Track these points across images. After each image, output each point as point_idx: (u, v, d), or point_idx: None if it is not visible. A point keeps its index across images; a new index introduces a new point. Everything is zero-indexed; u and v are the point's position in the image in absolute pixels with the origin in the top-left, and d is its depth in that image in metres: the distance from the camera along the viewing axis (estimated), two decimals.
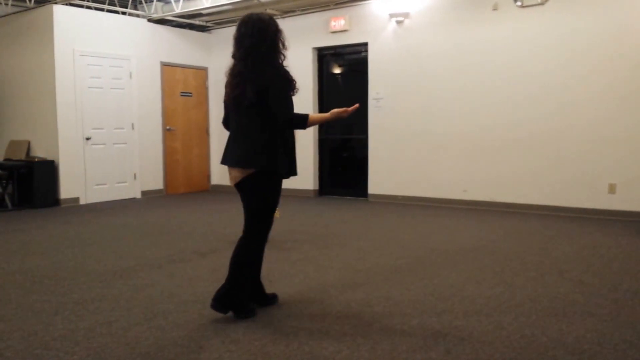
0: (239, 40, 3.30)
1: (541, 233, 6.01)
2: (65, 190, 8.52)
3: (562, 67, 7.06)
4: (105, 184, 9.01)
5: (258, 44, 3.24)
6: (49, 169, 8.38)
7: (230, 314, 3.37)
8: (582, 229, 6.21)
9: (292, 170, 3.42)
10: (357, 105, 3.45)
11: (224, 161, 3.44)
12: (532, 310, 3.46)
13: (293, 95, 3.35)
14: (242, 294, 3.38)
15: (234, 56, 3.35)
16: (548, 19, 7.12)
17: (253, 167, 3.26)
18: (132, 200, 9.21)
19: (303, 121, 3.38)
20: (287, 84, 3.28)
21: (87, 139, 8.73)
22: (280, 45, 3.32)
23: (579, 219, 6.83)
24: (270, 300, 3.66)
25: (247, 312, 3.39)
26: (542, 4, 7.14)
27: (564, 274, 4.33)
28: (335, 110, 3.41)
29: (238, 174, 3.33)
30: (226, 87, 3.40)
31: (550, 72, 7.15)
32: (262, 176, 3.28)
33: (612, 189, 6.82)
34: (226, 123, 3.59)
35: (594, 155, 6.91)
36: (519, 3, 7.28)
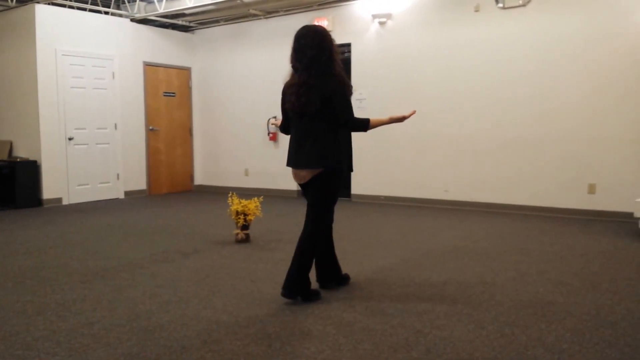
0: (300, 52, 3.61)
1: (521, 233, 6.07)
2: (48, 191, 8.45)
3: (543, 69, 7.14)
4: (88, 184, 8.95)
5: (319, 55, 3.56)
6: (32, 169, 8.31)
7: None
8: (562, 229, 6.29)
9: (350, 167, 3.85)
10: (414, 111, 3.82)
11: (293, 164, 3.73)
12: (512, 310, 3.50)
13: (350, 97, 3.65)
14: (308, 279, 3.72)
15: (294, 66, 3.67)
16: (530, 21, 7.20)
17: (322, 167, 3.60)
18: (115, 201, 9.15)
19: (364, 124, 3.67)
20: (347, 90, 3.61)
21: (70, 139, 8.67)
22: (335, 54, 3.63)
23: (559, 219, 6.91)
24: (344, 280, 4.07)
25: (313, 295, 3.74)
26: (523, 5, 7.21)
27: (543, 273, 4.38)
28: (394, 115, 3.76)
29: (306, 173, 3.66)
30: (287, 95, 3.69)
31: (531, 74, 7.22)
32: (329, 174, 3.63)
33: (591, 189, 6.91)
34: (285, 128, 3.90)
35: (574, 156, 6.99)
36: (500, 4, 7.35)
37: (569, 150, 7.03)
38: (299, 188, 9.65)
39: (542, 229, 6.26)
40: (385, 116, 3.81)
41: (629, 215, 6.07)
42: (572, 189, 7.04)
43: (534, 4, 7.16)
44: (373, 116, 3.99)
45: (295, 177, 3.78)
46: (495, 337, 3.06)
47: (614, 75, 6.69)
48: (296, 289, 3.67)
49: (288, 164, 3.79)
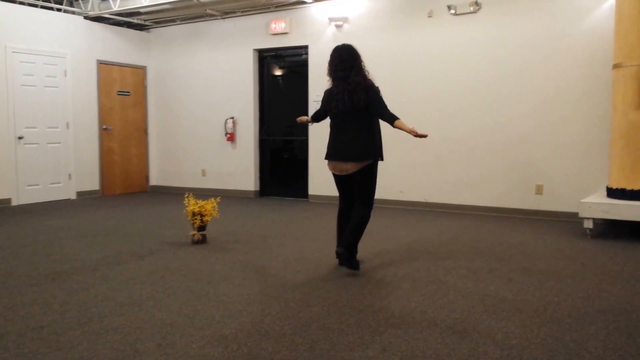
0: (346, 61, 4.42)
1: (473, 232, 6.21)
2: None
3: (492, 74, 7.32)
4: (38, 185, 8.74)
5: (358, 64, 4.42)
6: None
7: None
8: (511, 228, 6.46)
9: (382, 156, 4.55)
10: (426, 135, 4.31)
11: (339, 158, 4.44)
12: (464, 307, 3.59)
13: None
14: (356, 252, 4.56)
15: (343, 75, 4.39)
16: (481, 28, 7.36)
17: (369, 160, 4.38)
18: (67, 202, 8.96)
19: (393, 119, 4.34)
20: (379, 92, 4.38)
21: (20, 138, 8.45)
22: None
23: (508, 218, 7.09)
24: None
25: (358, 264, 4.50)
26: (474, 12, 7.38)
27: (493, 271, 4.50)
28: (415, 129, 4.24)
29: (352, 166, 4.38)
30: (334, 98, 4.42)
31: (481, 78, 7.40)
32: (374, 164, 4.42)
33: (539, 190, 7.13)
34: (318, 118, 4.87)
35: (523, 159, 7.19)
36: (452, 11, 7.50)
37: (517, 153, 7.23)
38: (257, 188, 9.55)
39: (492, 229, 6.42)
40: (409, 124, 4.31)
41: (574, 215, 6.27)
42: (521, 190, 7.24)
43: (484, 10, 7.33)
44: None
45: (335, 168, 4.49)
46: (447, 334, 3.13)
47: (562, 81, 6.90)
48: (351, 259, 4.45)
49: (332, 158, 4.48)
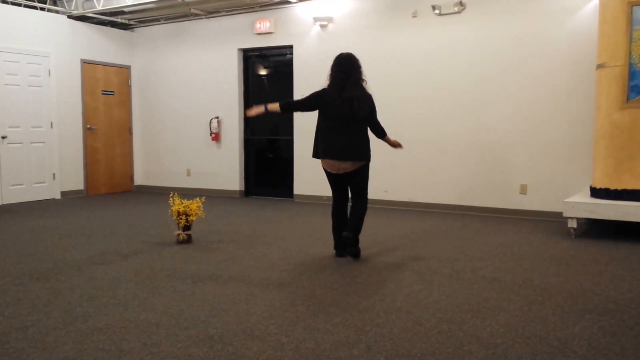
0: (346, 73, 4.74)
1: (457, 232, 6.25)
2: None
3: (476, 74, 7.37)
4: (22, 184, 8.66)
5: (358, 76, 4.74)
6: None
7: None
8: (496, 227, 6.50)
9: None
10: (402, 147, 5.20)
11: (338, 157, 4.72)
12: (449, 307, 3.61)
13: None
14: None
15: (341, 84, 4.71)
16: (465, 28, 7.40)
17: (365, 160, 4.79)
18: (51, 201, 8.88)
19: (384, 132, 5.00)
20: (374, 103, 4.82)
21: (3, 137, 8.36)
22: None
23: (492, 218, 7.15)
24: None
25: (359, 252, 4.91)
26: (458, 12, 7.43)
27: (478, 271, 4.52)
28: (397, 141, 5.10)
29: (350, 165, 4.74)
30: (334, 104, 4.69)
31: (465, 78, 7.44)
32: (367, 164, 4.84)
33: (523, 189, 7.19)
34: (293, 108, 5.57)
35: (507, 159, 7.25)
36: (437, 11, 7.54)
37: (501, 153, 7.28)
38: (242, 188, 9.53)
39: (477, 228, 6.46)
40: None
41: (558, 214, 6.33)
42: (505, 189, 7.30)
43: (469, 11, 7.38)
44: None
45: (332, 167, 4.77)
46: (432, 333, 3.14)
47: (546, 81, 6.96)
48: (355, 244, 4.85)
49: (330, 157, 4.74)
